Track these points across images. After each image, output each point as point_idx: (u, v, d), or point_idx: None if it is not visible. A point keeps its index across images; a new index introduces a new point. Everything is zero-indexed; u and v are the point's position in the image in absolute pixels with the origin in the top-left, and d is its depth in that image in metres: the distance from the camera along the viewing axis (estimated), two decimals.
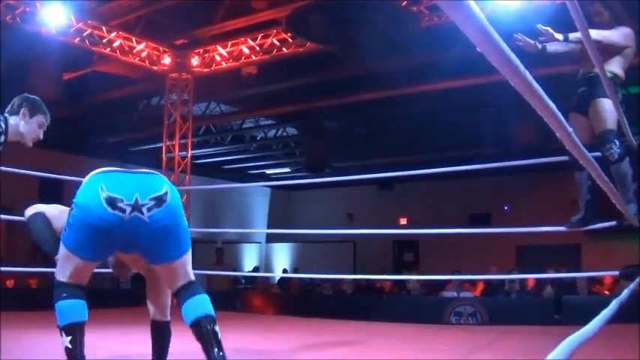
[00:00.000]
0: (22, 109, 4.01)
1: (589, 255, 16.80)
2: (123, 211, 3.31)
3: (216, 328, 3.36)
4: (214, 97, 15.92)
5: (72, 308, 3.51)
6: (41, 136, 4.10)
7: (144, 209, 3.34)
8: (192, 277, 3.54)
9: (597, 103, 5.15)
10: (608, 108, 5.03)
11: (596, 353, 4.20)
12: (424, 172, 7.90)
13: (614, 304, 3.47)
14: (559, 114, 2.00)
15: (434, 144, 16.62)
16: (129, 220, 3.32)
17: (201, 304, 3.46)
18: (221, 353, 3.31)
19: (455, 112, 14.20)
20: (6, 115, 4.01)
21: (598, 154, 5.02)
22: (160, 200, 3.39)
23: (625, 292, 4.22)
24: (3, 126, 3.85)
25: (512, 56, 1.48)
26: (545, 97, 1.80)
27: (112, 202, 3.31)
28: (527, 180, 16.45)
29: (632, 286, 4.90)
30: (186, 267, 3.53)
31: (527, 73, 1.60)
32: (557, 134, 2.25)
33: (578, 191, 5.61)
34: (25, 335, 5.76)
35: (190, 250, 3.54)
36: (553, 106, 1.89)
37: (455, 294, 11.32)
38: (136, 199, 3.34)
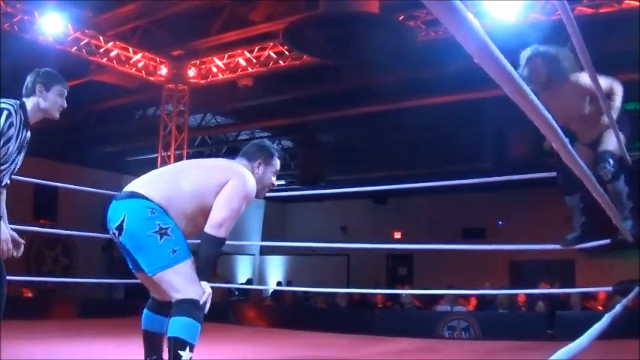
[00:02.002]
0: (37, 86, 3.96)
1: (583, 271, 16.80)
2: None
3: (180, 352, 3.41)
4: (210, 108, 15.94)
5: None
6: (65, 104, 4.06)
7: (117, 236, 3.66)
8: (177, 296, 3.54)
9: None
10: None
11: None
12: (418, 186, 7.90)
13: (606, 319, 3.47)
14: (556, 126, 2.01)
15: (429, 158, 16.62)
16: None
17: (170, 326, 3.54)
18: None
19: (450, 127, 14.22)
20: (23, 99, 3.97)
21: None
22: (119, 229, 3.63)
23: (617, 307, 4.22)
24: (13, 118, 3.81)
25: (512, 71, 1.49)
26: (544, 110, 1.80)
27: None
28: (522, 195, 16.44)
29: (625, 301, 4.89)
30: (166, 284, 3.58)
31: (526, 87, 1.61)
32: (554, 145, 2.26)
33: (571, 214, 5.60)
34: (25, 344, 5.74)
35: (171, 268, 3.54)
36: (549, 117, 1.90)
37: (448, 308, 11.31)
38: (111, 230, 3.70)
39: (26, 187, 13.31)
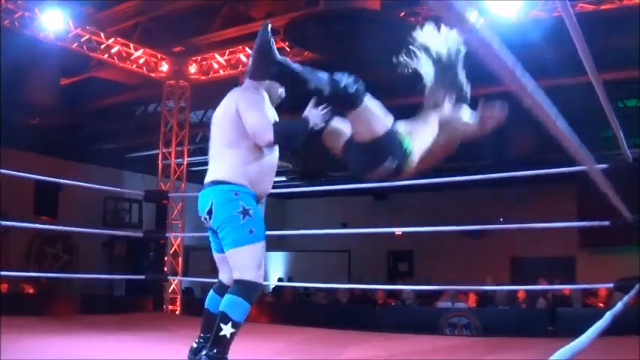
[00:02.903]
0: None
1: (584, 267, 16.81)
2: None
3: (222, 325, 3.66)
4: (211, 104, 15.90)
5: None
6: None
7: (208, 220, 4.04)
8: (237, 275, 3.86)
9: None
10: None
11: None
12: (418, 183, 7.89)
13: (608, 316, 3.48)
14: (560, 119, 2.02)
15: None
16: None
17: (222, 302, 3.80)
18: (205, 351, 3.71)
19: None
20: None
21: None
22: (209, 213, 3.98)
23: (619, 305, 4.22)
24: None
25: (515, 66, 1.49)
26: (546, 103, 1.81)
27: None
28: (524, 192, 16.43)
29: (626, 298, 4.89)
30: (233, 261, 3.91)
31: (531, 83, 1.61)
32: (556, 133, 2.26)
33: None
34: (25, 340, 5.74)
35: (243, 247, 3.87)
36: (551, 109, 1.90)
37: (449, 304, 11.30)
38: (202, 216, 4.08)
39: (27, 184, 13.35)
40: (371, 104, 3.81)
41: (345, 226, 20.43)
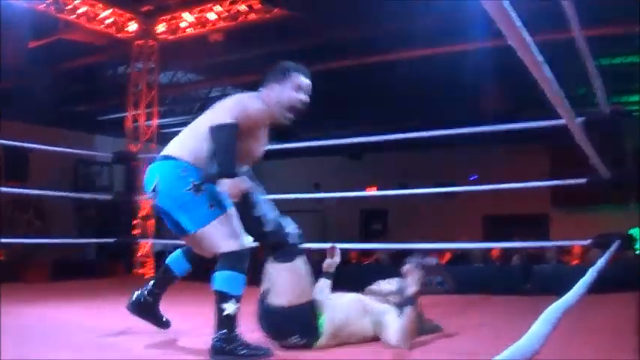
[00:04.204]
0: None
1: (557, 226, 16.94)
2: None
3: (223, 305, 3.52)
4: (181, 65, 15.73)
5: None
6: None
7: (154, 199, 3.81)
8: (219, 251, 3.64)
9: None
10: None
11: (582, 321, 4.18)
12: (392, 138, 7.83)
13: (591, 273, 3.43)
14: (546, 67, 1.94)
15: (404, 115, 16.51)
16: None
17: (214, 281, 3.62)
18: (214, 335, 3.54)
19: (425, 82, 14.11)
20: None
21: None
22: (155, 191, 3.74)
23: (601, 261, 4.18)
24: None
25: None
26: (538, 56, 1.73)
27: None
28: (498, 151, 16.45)
29: (607, 254, 4.87)
30: (208, 241, 3.67)
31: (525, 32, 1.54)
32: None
33: None
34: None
35: (211, 224, 3.62)
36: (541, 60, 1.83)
37: (419, 260, 11.30)
38: (147, 192, 3.85)
39: None
40: (300, 269, 3.70)
41: (318, 186, 20.38)
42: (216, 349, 3.49)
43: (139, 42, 13.05)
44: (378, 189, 19.34)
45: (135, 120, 13.27)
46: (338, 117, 17.44)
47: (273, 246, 3.71)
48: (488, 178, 17.08)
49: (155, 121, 13.39)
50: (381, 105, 16.19)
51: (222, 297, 3.52)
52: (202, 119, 3.84)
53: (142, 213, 12.55)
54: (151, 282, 4.17)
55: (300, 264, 3.71)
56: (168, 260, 4.16)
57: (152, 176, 3.74)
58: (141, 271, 12.09)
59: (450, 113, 13.76)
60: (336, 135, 15.89)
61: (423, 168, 18.37)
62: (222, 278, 3.56)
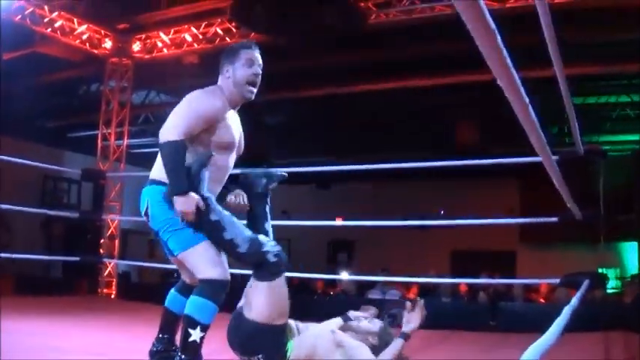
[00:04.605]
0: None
1: (524, 263, 16.99)
2: None
3: (190, 330, 3.48)
4: (154, 85, 15.66)
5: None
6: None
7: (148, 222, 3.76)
8: (199, 276, 3.60)
9: None
10: None
11: None
12: (361, 168, 7.83)
13: (566, 312, 3.39)
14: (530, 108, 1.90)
15: (375, 145, 16.53)
16: None
17: (187, 305, 3.60)
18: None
19: (397, 114, 14.15)
20: None
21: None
22: (147, 215, 3.71)
23: (574, 301, 4.14)
24: None
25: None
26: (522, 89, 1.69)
27: None
28: (465, 185, 16.50)
29: (579, 294, 4.82)
30: (189, 264, 3.66)
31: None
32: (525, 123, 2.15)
33: None
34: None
35: (193, 248, 3.59)
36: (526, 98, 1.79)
37: (381, 295, 11.24)
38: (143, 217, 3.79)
39: None
40: (281, 288, 3.63)
41: (285, 213, 20.29)
42: None
43: (114, 59, 12.94)
44: (345, 219, 19.37)
45: (105, 138, 13.13)
46: (310, 144, 17.43)
47: (255, 267, 3.63)
48: (457, 211, 17.24)
49: (125, 141, 13.27)
50: (355, 134, 16.21)
51: (192, 322, 3.48)
52: None
53: (108, 232, 12.42)
54: (159, 336, 4.01)
55: (281, 283, 3.62)
56: (165, 303, 4.06)
57: (143, 200, 3.74)
58: (106, 291, 11.94)
59: (421, 147, 13.79)
60: (307, 162, 15.90)
61: (392, 199, 18.37)
62: (194, 304, 3.51)
